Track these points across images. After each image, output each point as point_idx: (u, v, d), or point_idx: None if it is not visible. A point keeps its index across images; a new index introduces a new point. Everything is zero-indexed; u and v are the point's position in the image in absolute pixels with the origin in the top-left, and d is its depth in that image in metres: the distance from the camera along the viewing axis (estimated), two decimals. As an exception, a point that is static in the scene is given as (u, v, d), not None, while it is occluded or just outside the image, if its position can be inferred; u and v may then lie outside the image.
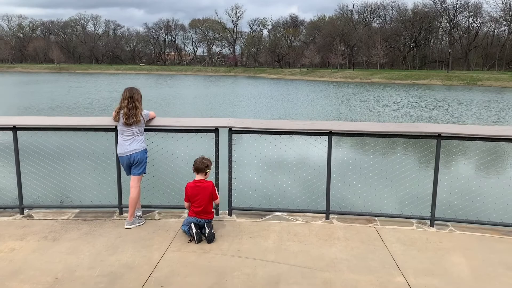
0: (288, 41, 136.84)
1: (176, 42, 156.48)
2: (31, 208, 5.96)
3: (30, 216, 5.76)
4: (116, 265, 4.40)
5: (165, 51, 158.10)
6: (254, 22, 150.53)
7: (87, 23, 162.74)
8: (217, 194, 5.32)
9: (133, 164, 5.41)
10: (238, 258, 4.57)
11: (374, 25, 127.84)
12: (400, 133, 5.49)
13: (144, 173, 5.55)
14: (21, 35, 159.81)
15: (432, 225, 5.59)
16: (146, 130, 5.63)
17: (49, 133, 5.80)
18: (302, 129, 5.59)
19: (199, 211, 5.12)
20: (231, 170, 5.78)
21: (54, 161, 6.58)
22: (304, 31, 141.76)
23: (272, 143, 6.16)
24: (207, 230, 5.01)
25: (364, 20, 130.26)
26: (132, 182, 5.47)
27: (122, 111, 5.36)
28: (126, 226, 5.42)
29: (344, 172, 7.39)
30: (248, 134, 5.75)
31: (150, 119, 5.59)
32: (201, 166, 5.19)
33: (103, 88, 51.92)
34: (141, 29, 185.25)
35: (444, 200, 6.52)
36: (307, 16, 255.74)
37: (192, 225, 5.03)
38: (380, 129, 5.51)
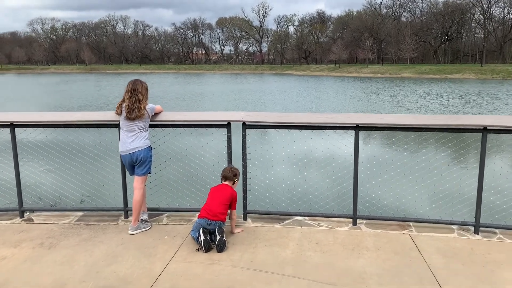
0: (315, 37, 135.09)
1: (204, 41, 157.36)
2: (32, 211, 5.54)
3: (30, 220, 5.34)
4: (112, 278, 3.88)
5: (193, 50, 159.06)
6: (281, 19, 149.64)
7: (116, 24, 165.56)
8: (236, 205, 4.84)
9: (136, 163, 4.90)
10: (250, 271, 3.98)
11: (403, 19, 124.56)
12: (438, 127, 4.77)
13: (149, 173, 5.03)
14: (54, 37, 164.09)
15: (477, 232, 4.85)
16: (151, 125, 5.12)
17: (49, 130, 5.37)
18: (325, 122, 4.94)
19: (210, 209, 4.57)
20: (245, 169, 5.19)
21: (56, 160, 6.16)
22: (331, 27, 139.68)
23: (291, 139, 5.55)
24: (218, 237, 4.44)
25: (393, 14, 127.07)
26: (136, 183, 4.96)
27: (124, 105, 4.86)
28: (129, 232, 4.91)
29: (373, 171, 6.66)
30: (264, 129, 5.14)
31: (156, 114, 5.07)
32: (229, 175, 4.83)
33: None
34: (169, 29, 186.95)
35: (491, 203, 5.73)
36: (334, 11, 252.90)
37: (201, 231, 4.48)
38: (414, 122, 4.80)
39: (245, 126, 5.09)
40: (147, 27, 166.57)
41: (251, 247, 4.49)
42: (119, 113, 4.89)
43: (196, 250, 4.41)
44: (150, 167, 4.97)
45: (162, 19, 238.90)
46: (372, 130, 4.88)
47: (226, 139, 5.13)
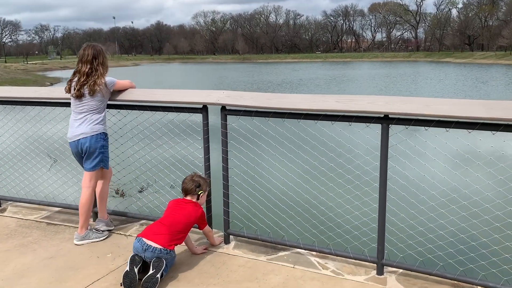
0: (483, 20, 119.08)
1: (354, 28, 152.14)
2: (13, 201, 4.86)
3: (3, 211, 4.68)
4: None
5: (342, 38, 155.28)
6: (441, 1, 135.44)
7: (269, 14, 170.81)
8: (205, 222, 3.56)
9: (83, 155, 3.79)
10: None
11: None
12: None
13: (104, 168, 3.88)
14: (213, 29, 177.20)
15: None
16: (111, 106, 3.96)
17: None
18: (333, 109, 3.12)
19: (154, 229, 3.26)
20: (227, 173, 3.66)
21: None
22: (503, 8, 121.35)
23: (292, 131, 3.81)
24: (149, 272, 3.08)
25: None
26: (84, 181, 3.85)
27: (76, 78, 3.78)
28: (74, 241, 3.85)
29: (411, 193, 4.09)
30: (250, 117, 3.51)
31: (119, 91, 3.88)
32: (190, 186, 3.45)
33: (274, 76, 52.86)
34: (319, 17, 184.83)
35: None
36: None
37: (129, 259, 3.16)
38: (485, 114, 2.66)
39: (224, 111, 3.57)
40: (298, 16, 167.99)
41: (194, 291, 3.02)
42: (67, 90, 3.82)
43: (120, 285, 3.11)
44: (103, 161, 3.80)
45: (316, 8, 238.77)
46: (411, 125, 2.89)
47: (202, 128, 3.67)
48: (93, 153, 3.74)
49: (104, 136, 3.78)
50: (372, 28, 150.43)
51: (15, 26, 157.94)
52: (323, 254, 3.47)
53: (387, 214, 3.09)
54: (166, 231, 3.26)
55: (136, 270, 3.11)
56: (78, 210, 3.91)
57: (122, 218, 4.31)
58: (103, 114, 3.79)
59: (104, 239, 3.91)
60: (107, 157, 3.84)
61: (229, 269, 3.34)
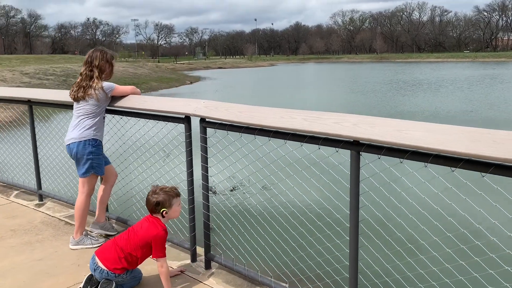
0: None
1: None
2: (50, 197, 5.12)
3: (40, 205, 4.98)
4: None
5: (497, 36, 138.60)
6: None
7: (412, 11, 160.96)
8: (161, 252, 2.98)
9: (74, 160, 3.77)
10: None
11: None
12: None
13: (98, 175, 3.80)
14: (351, 28, 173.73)
15: None
16: (110, 111, 3.87)
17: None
18: (300, 129, 2.52)
19: (105, 250, 3.05)
20: (207, 191, 3.28)
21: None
22: None
23: (267, 148, 3.23)
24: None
25: None
26: (79, 186, 3.83)
27: (77, 80, 3.79)
28: (70, 246, 3.86)
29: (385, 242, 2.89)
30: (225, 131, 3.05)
31: (119, 97, 3.77)
32: (149, 206, 3.04)
33: (409, 75, 49.37)
34: (470, 13, 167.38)
35: None
36: None
37: (86, 278, 3.00)
38: (491, 153, 1.83)
39: (203, 123, 3.20)
40: (445, 13, 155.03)
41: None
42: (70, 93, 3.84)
43: (73, 300, 2.99)
44: (93, 168, 3.72)
45: (468, 4, 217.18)
46: (383, 155, 2.16)
47: (185, 139, 3.35)
48: (80, 160, 3.69)
49: (94, 142, 3.70)
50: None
51: (169, 30, 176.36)
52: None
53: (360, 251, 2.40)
54: (116, 251, 2.98)
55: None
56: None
57: (125, 226, 4.23)
58: (97, 119, 3.71)
59: (98, 246, 3.84)
60: (98, 163, 3.75)
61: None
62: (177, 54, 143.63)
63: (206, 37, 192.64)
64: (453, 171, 1.92)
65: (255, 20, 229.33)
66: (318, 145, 2.48)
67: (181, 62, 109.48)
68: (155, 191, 3.03)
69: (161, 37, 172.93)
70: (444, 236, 2.95)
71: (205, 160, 3.25)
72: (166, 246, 3.71)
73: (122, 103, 3.74)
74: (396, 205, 3.40)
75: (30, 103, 4.86)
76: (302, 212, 4.13)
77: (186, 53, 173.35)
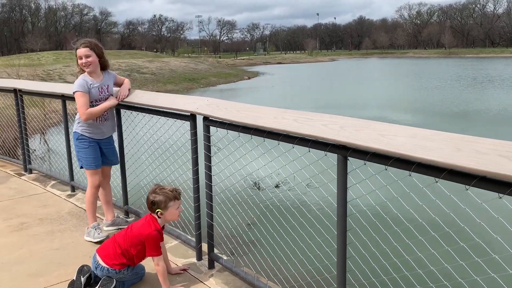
0: None
1: None
2: (80, 188, 5.30)
3: (71, 196, 5.18)
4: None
5: None
6: None
7: (486, 3, 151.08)
8: (154, 251, 2.94)
9: None
10: None
11: None
12: None
13: (85, 168, 3.84)
14: (418, 21, 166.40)
15: None
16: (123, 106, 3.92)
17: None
18: (290, 130, 2.38)
19: (105, 248, 3.08)
20: (211, 191, 3.22)
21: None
22: None
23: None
24: (98, 292, 2.92)
25: None
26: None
27: None
28: (85, 237, 3.96)
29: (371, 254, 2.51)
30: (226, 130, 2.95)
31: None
32: (147, 203, 3.03)
33: (480, 71, 46.32)
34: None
35: None
36: None
37: (78, 269, 3.06)
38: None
39: (206, 121, 3.13)
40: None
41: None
42: None
43: (67, 292, 3.05)
44: (79, 160, 3.83)
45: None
46: (368, 160, 1.96)
47: (190, 137, 3.31)
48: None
49: (76, 135, 3.78)
50: None
51: (231, 26, 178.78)
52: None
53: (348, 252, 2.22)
54: (115, 247, 3.00)
55: (83, 279, 2.99)
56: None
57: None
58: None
59: (100, 240, 3.83)
60: (82, 157, 3.78)
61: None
62: (238, 50, 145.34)
63: (267, 32, 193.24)
64: (436, 181, 1.70)
65: (317, 14, 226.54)
66: (307, 147, 2.33)
67: (241, 57, 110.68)
68: (155, 190, 3.01)
69: (223, 33, 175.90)
70: (429, 235, 2.72)
71: (208, 159, 3.18)
72: (175, 243, 3.72)
73: (131, 99, 3.78)
74: (383, 216, 3.16)
75: (64, 98, 5.06)
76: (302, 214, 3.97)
77: (247, 48, 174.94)
